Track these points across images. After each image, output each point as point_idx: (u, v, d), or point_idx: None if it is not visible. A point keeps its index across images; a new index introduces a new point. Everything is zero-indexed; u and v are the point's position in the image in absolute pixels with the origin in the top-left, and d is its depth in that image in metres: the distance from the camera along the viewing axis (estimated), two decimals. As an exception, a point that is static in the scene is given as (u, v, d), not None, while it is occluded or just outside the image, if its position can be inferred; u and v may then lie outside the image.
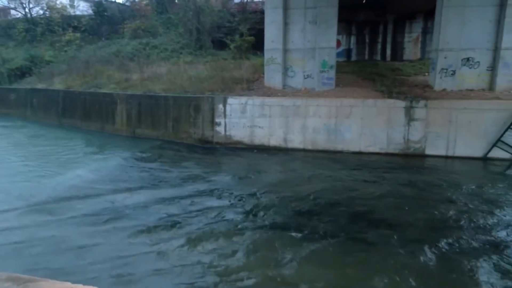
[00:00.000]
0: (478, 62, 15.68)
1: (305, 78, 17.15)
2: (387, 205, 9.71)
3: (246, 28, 23.62)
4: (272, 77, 17.31)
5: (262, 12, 18.39)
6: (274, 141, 15.80)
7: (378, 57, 26.63)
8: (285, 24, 16.87)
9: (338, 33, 21.99)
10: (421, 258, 6.97)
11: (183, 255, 7.13)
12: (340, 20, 18.56)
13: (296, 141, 15.57)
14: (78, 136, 18.48)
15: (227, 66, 20.59)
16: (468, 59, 15.69)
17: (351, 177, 12.15)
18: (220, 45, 24.57)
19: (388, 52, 26.47)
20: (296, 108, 15.45)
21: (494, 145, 13.76)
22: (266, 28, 17.12)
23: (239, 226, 8.34)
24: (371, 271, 6.55)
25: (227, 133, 16.24)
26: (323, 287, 6.16)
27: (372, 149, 14.91)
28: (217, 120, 16.32)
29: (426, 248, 7.31)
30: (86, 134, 18.88)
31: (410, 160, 14.24)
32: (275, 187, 11.07)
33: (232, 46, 23.07)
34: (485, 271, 6.55)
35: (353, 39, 27.07)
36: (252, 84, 17.94)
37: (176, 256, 7.09)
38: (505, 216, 9.00)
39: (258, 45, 21.07)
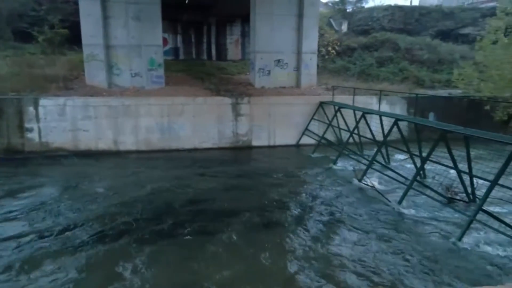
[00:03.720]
0: (287, 63, 18.35)
1: (133, 77, 16.33)
2: (224, 196, 10.30)
3: (58, 19, 20.68)
4: (95, 75, 15.77)
5: (76, 3, 16.43)
6: (103, 145, 14.51)
7: (205, 57, 27.83)
8: (105, 18, 15.57)
9: (164, 31, 21.87)
10: (255, 240, 7.72)
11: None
12: (165, 18, 18.49)
13: (128, 143, 14.72)
14: None
15: (36, 62, 17.59)
16: (279, 60, 18.15)
17: (188, 174, 12.35)
18: (25, 37, 20.71)
19: (214, 52, 27.99)
20: (125, 108, 14.58)
21: (303, 133, 16.46)
22: (82, 21, 15.40)
23: (67, 246, 7.28)
24: (214, 262, 6.83)
25: (43, 139, 13.94)
26: (168, 288, 6.09)
27: (206, 145, 15.53)
28: (27, 125, 13.78)
29: (258, 230, 8.15)
30: None
31: (240, 152, 15.55)
32: (107, 195, 10.17)
33: (40, 39, 19.82)
34: (292, 241, 7.77)
35: (179, 38, 27.39)
36: (71, 83, 15.90)
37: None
38: (313, 190, 10.88)
39: (75, 39, 18.74)
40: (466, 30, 26.45)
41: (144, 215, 8.85)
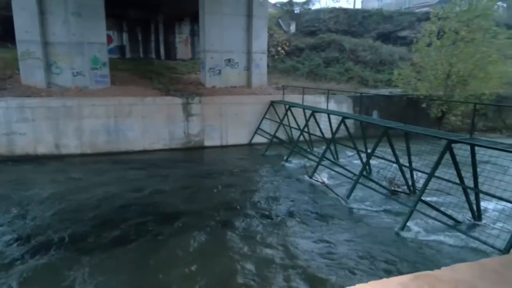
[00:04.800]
0: (237, 63, 18.37)
1: (74, 76, 15.38)
2: (177, 198, 10.07)
3: (-13, 13, 18.95)
4: (32, 74, 14.65)
5: (8, -4, 15.15)
6: (43, 149, 13.54)
7: (153, 55, 26.98)
8: (42, 13, 14.51)
9: (109, 28, 20.90)
10: (211, 241, 7.63)
11: None
12: (109, 15, 17.67)
13: (71, 146, 13.88)
14: None
15: (-39, 59, 15.97)
16: (229, 60, 18.12)
17: (138, 176, 11.91)
18: None
19: (162, 51, 27.23)
20: (67, 109, 13.72)
21: (255, 132, 16.59)
22: (15, 16, 14.21)
23: (7, 258, 6.70)
24: (170, 267, 6.66)
25: (-28, 145, 12.70)
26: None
27: (156, 146, 15.08)
28: (-47, 129, 12.48)
29: (214, 230, 8.08)
30: None
31: (192, 152, 15.31)
32: (48, 203, 9.48)
33: (-34, 34, 18.03)
34: (248, 238, 7.84)
35: (125, 36, 26.29)
36: (3, 83, 14.62)
37: None
38: (267, 188, 11.03)
39: (7, 35, 17.28)
40: (404, 33, 28.24)
41: (91, 222, 8.39)
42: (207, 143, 15.91)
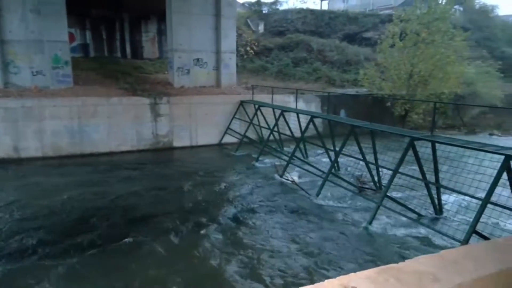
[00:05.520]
0: (206, 62, 18.20)
1: (34, 75, 14.64)
2: (144, 201, 9.83)
3: None
4: (-14, 74, 13.83)
5: (-42, -11, 14.18)
6: (1, 152, 12.80)
7: (119, 54, 26.23)
8: (-3, 9, 13.73)
9: (71, 26, 20.09)
10: (182, 243, 7.54)
11: None
12: (71, 13, 16.98)
13: (31, 149, 13.21)
14: None
15: None
16: (198, 59, 17.92)
17: (104, 179, 11.53)
18: None
19: (128, 50, 26.52)
20: (27, 110, 13.05)
21: (225, 132, 16.52)
22: (-33, 11, 13.38)
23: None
24: (133, 271, 6.49)
25: None
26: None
27: (123, 148, 14.67)
28: None
29: (185, 232, 7.97)
30: None
31: (161, 153, 15.01)
32: (8, 209, 8.98)
33: None
34: (220, 239, 7.83)
35: (88, 34, 25.36)
36: (-46, 83, 13.71)
37: None
38: (238, 188, 11.01)
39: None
40: (368, 34, 29.09)
41: (56, 228, 8.02)
42: (176, 143, 15.66)
